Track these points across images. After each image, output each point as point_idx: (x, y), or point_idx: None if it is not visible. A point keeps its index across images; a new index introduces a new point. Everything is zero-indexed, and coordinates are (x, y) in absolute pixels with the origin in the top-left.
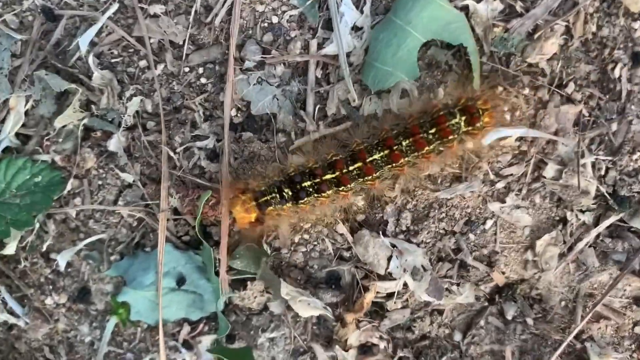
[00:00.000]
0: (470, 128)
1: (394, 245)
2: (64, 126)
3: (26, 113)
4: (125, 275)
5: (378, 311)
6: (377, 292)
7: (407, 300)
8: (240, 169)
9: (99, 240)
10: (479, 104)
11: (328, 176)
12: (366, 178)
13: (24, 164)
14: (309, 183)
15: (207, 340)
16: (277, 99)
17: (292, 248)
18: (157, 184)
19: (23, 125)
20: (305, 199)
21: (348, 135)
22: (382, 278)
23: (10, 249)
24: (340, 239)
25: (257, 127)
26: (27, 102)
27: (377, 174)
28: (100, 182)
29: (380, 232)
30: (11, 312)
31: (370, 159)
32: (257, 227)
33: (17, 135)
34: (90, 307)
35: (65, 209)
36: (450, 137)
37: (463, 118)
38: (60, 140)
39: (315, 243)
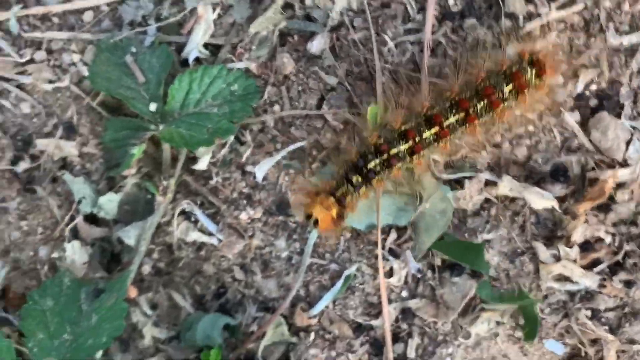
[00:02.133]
0: (538, 80)
1: (633, 128)
2: (256, 33)
3: (214, 22)
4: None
5: (601, 205)
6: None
7: (632, 192)
8: (462, 59)
9: (300, 148)
10: (541, 56)
11: (394, 150)
12: (442, 142)
13: (219, 72)
14: (374, 162)
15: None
16: None
17: (515, 142)
18: (366, 84)
19: (211, 35)
20: (376, 177)
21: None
22: (613, 167)
23: (202, 164)
24: (569, 128)
25: (479, 12)
26: (214, 10)
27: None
28: (300, 88)
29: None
30: (202, 231)
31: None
32: (339, 223)
33: (206, 45)
34: (289, 220)
35: (262, 118)
36: (526, 90)
37: (534, 71)
38: (254, 47)
39: (542, 134)
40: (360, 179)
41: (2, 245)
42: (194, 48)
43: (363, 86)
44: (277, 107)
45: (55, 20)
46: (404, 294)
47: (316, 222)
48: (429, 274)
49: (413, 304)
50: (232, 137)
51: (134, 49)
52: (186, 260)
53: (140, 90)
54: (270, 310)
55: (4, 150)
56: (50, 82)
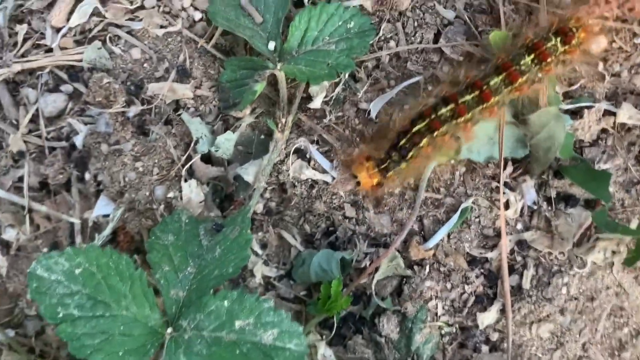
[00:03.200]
0: (567, 47)
1: None
2: None
3: None
4: None
5: None
6: None
7: None
8: None
9: (415, 84)
10: (572, 23)
11: (418, 127)
12: (459, 119)
13: (336, 9)
14: (403, 141)
15: (531, 180)
16: None
17: (633, 71)
18: (486, 15)
19: None
20: (409, 154)
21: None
22: None
23: (317, 103)
24: None
25: None
26: None
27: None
28: (416, 23)
29: None
30: (315, 169)
31: (462, 100)
32: (378, 189)
33: None
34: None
35: (377, 54)
36: (549, 59)
37: (559, 39)
38: None
39: None
40: (397, 156)
41: (117, 187)
42: None
43: (483, 18)
44: (392, 43)
45: None
46: (519, 226)
47: (359, 182)
48: (544, 206)
49: (528, 235)
50: (346, 75)
51: None
52: (297, 200)
53: (258, 30)
54: (382, 246)
55: (116, 95)
56: (161, 27)
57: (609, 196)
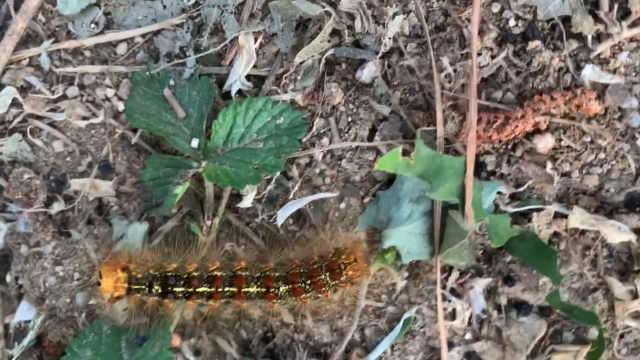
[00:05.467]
0: (337, 282)
1: None
2: (301, 62)
3: (256, 52)
4: (376, 220)
5: None
6: None
7: None
8: (525, 84)
9: (351, 183)
10: (342, 259)
11: (202, 289)
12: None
13: (264, 105)
14: (181, 289)
15: (479, 286)
16: (569, 1)
17: (584, 171)
18: (423, 112)
19: (254, 66)
20: (173, 301)
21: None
22: None
23: (247, 202)
24: None
25: (543, 34)
26: (255, 39)
27: (249, 303)
28: (350, 119)
29: None
30: None
31: (245, 289)
32: (115, 300)
33: (248, 77)
34: None
35: (310, 151)
36: (323, 289)
37: (328, 274)
38: (300, 77)
39: (614, 162)
40: (159, 291)
41: (37, 292)
42: (236, 80)
43: (420, 115)
44: (325, 140)
45: (88, 54)
46: (468, 336)
47: (99, 283)
48: (495, 314)
49: (478, 346)
50: (278, 173)
51: (172, 82)
52: None
53: (180, 125)
54: (322, 356)
55: (37, 192)
56: (84, 118)
57: (559, 276)
